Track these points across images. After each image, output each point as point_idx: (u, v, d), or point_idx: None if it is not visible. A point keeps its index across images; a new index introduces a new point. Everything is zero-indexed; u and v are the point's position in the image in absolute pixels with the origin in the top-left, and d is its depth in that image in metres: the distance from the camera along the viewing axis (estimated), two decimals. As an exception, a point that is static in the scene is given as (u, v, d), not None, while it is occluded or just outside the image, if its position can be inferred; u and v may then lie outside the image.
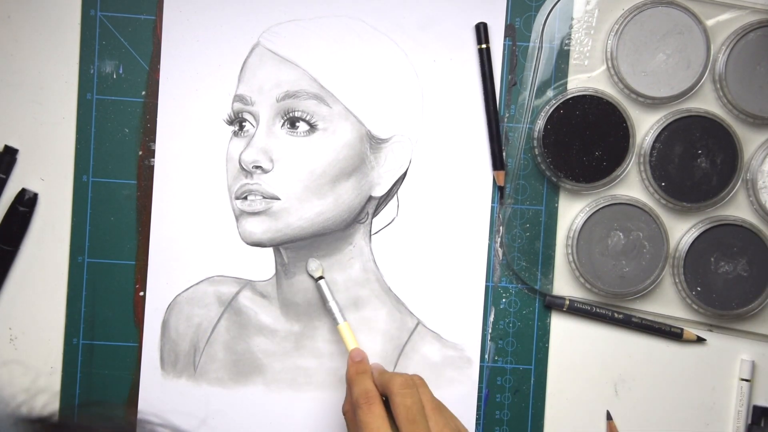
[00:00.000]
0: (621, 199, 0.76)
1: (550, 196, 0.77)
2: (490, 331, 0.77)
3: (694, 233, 0.76)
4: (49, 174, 0.75)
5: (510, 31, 0.77)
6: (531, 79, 0.76)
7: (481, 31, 0.76)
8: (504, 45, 0.77)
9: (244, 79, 0.76)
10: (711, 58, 0.76)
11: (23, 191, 0.75)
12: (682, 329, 0.77)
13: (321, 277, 0.75)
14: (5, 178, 0.75)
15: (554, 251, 0.77)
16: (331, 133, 0.75)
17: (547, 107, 0.75)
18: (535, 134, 0.75)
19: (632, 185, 0.77)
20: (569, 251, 0.76)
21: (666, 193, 0.76)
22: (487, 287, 0.77)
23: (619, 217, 0.76)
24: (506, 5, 0.76)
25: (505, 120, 0.77)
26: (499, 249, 0.77)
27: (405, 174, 0.77)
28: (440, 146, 0.77)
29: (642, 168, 0.76)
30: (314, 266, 0.75)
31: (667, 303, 0.77)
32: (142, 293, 0.76)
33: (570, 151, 0.75)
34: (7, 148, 0.75)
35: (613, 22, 0.76)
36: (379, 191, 0.77)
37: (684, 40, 0.75)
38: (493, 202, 0.77)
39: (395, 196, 0.77)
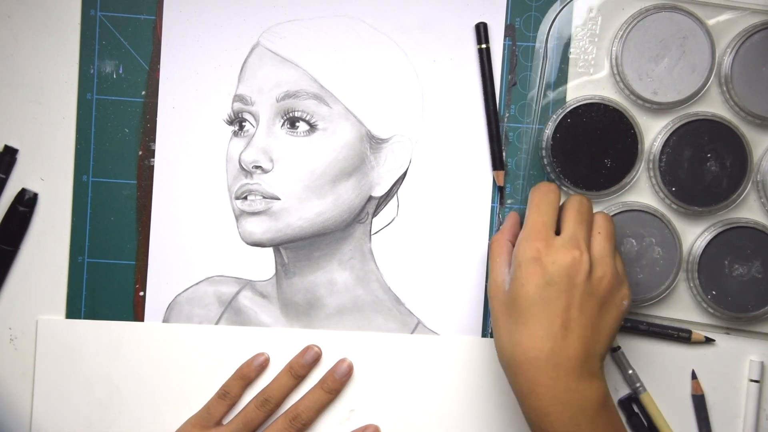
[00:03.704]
0: (632, 206, 0.76)
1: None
2: (490, 331, 0.77)
3: (706, 237, 0.76)
4: (49, 174, 0.75)
5: (510, 31, 0.77)
6: (537, 87, 0.76)
7: (481, 31, 0.76)
8: (504, 45, 0.77)
9: (244, 79, 0.76)
10: (716, 61, 0.75)
11: (23, 191, 0.75)
12: (690, 332, 0.77)
13: None
14: (5, 178, 0.75)
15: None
16: (331, 133, 0.75)
17: (554, 116, 0.75)
18: (543, 144, 0.75)
19: (642, 191, 0.77)
20: None
21: (677, 197, 0.75)
22: (487, 286, 0.77)
23: (631, 223, 0.76)
24: (506, 5, 0.76)
25: (505, 120, 0.77)
26: (499, 249, 0.77)
27: (405, 174, 0.77)
28: (440, 146, 0.77)
29: (652, 174, 0.76)
30: None
31: (682, 308, 0.77)
32: (142, 293, 0.76)
33: (579, 160, 0.75)
34: (7, 148, 0.75)
35: (617, 29, 0.75)
36: (379, 191, 0.76)
37: (688, 44, 0.75)
38: (493, 202, 0.77)
39: (395, 196, 0.77)
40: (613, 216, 0.75)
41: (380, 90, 0.76)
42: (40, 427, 0.75)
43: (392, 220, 0.77)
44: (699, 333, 0.77)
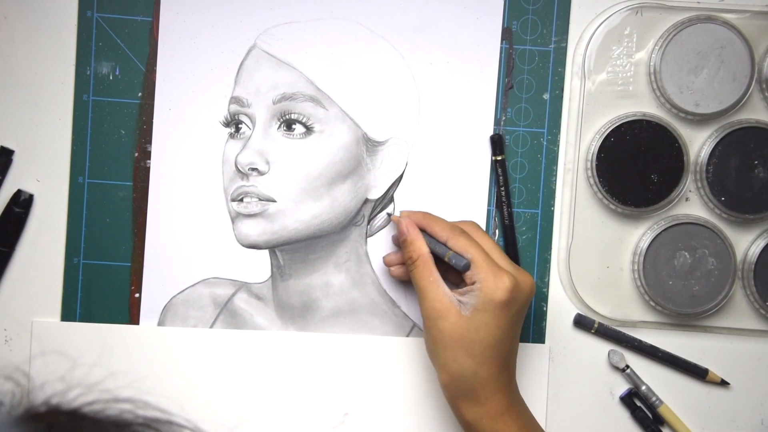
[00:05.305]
0: (682, 219, 0.76)
1: (546, 199, 0.77)
2: (485, 334, 0.77)
3: (760, 244, 0.76)
4: (45, 175, 0.75)
5: (507, 34, 0.76)
6: (579, 106, 0.76)
7: (496, 143, 0.76)
8: (501, 48, 0.76)
9: (241, 81, 0.76)
10: (756, 68, 0.75)
11: (19, 192, 0.75)
12: (707, 370, 0.77)
13: None
14: (1, 179, 0.75)
15: (550, 254, 0.77)
16: (328, 135, 0.75)
17: (598, 136, 0.75)
18: (589, 164, 0.75)
19: (692, 204, 0.77)
20: (636, 276, 0.76)
21: (727, 207, 0.75)
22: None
23: (683, 236, 0.76)
24: (503, 8, 0.76)
25: (502, 123, 0.77)
26: (495, 252, 0.77)
27: (401, 177, 0.77)
28: (437, 149, 0.77)
29: (700, 185, 0.76)
30: None
31: (740, 316, 0.77)
32: (137, 295, 0.76)
33: (625, 178, 0.75)
34: (3, 149, 0.75)
35: (653, 45, 0.75)
36: (375, 194, 0.76)
37: (726, 53, 0.75)
38: (489, 205, 0.77)
39: (391, 198, 0.77)
40: (663, 231, 0.75)
41: (377, 92, 0.76)
42: (35, 428, 0.75)
43: (388, 222, 0.77)
44: (716, 374, 0.77)
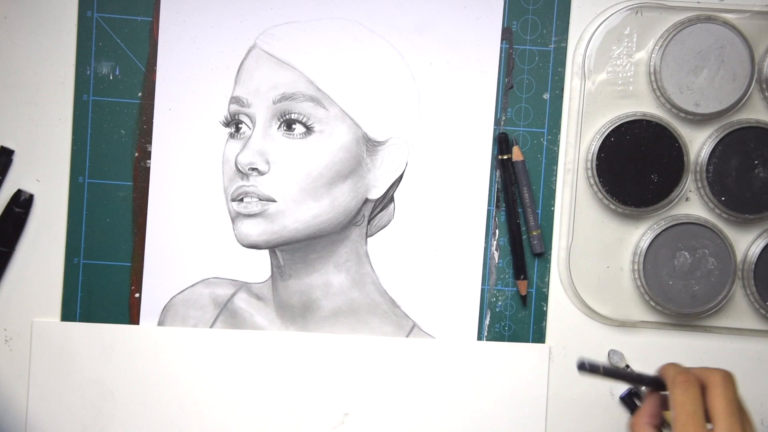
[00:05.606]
0: (682, 219, 0.76)
1: (546, 199, 0.77)
2: (485, 334, 0.77)
3: (760, 244, 0.76)
4: (45, 175, 0.75)
5: (507, 33, 0.76)
6: (578, 111, 0.76)
7: (502, 142, 0.76)
8: (501, 48, 0.76)
9: (241, 81, 0.76)
10: (756, 68, 0.75)
11: (19, 192, 0.75)
12: None
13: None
14: (1, 179, 0.75)
15: (550, 254, 0.77)
16: (328, 135, 0.75)
17: (598, 136, 0.75)
18: (589, 164, 0.75)
19: (692, 204, 0.77)
20: (636, 276, 0.76)
21: (727, 207, 0.76)
22: (482, 290, 0.77)
23: (683, 236, 0.76)
24: (503, 8, 0.76)
25: (502, 123, 0.77)
26: (495, 252, 0.77)
27: (401, 177, 0.77)
28: (437, 149, 0.77)
29: (700, 185, 0.76)
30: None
31: (740, 316, 0.77)
32: (137, 295, 0.76)
33: (625, 178, 0.75)
34: (3, 149, 0.75)
35: (653, 45, 0.75)
36: (375, 194, 0.76)
37: (726, 53, 0.75)
38: (489, 205, 0.77)
39: (392, 198, 0.77)
40: (663, 231, 0.75)
41: (377, 92, 0.76)
42: (36, 427, 0.75)
43: (388, 222, 0.77)
44: None
